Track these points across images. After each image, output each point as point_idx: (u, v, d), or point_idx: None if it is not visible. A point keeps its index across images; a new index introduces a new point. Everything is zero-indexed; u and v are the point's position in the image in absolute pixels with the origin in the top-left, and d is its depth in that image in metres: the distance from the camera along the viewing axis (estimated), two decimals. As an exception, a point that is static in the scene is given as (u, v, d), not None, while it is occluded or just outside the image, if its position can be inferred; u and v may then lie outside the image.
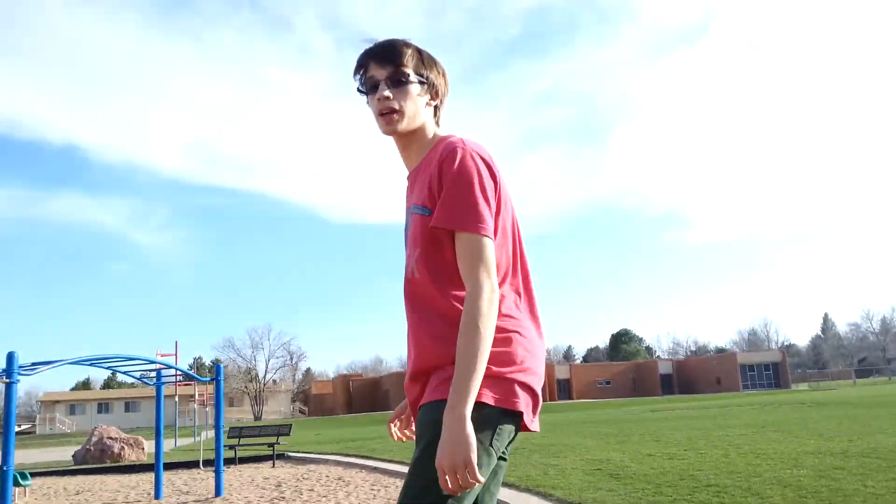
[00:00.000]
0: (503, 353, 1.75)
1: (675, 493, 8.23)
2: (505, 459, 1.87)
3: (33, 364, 9.08)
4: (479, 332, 1.64)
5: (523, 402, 1.76)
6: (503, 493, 9.04)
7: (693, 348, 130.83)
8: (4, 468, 8.17)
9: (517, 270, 1.92)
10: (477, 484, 1.62)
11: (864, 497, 7.14)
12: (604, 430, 20.06)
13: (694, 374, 79.80)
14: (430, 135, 2.06)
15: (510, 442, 1.84)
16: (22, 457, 26.21)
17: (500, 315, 1.77)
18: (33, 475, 16.97)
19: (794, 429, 16.30)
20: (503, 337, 1.77)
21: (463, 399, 1.61)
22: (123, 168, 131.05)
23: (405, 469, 12.96)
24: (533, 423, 1.84)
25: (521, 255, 1.98)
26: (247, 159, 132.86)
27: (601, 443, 15.63)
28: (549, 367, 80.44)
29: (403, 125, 2.00)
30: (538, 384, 1.84)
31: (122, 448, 20.39)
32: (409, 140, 2.06)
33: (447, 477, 1.57)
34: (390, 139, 2.07)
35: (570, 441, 16.57)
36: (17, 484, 12.13)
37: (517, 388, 1.75)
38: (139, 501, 11.30)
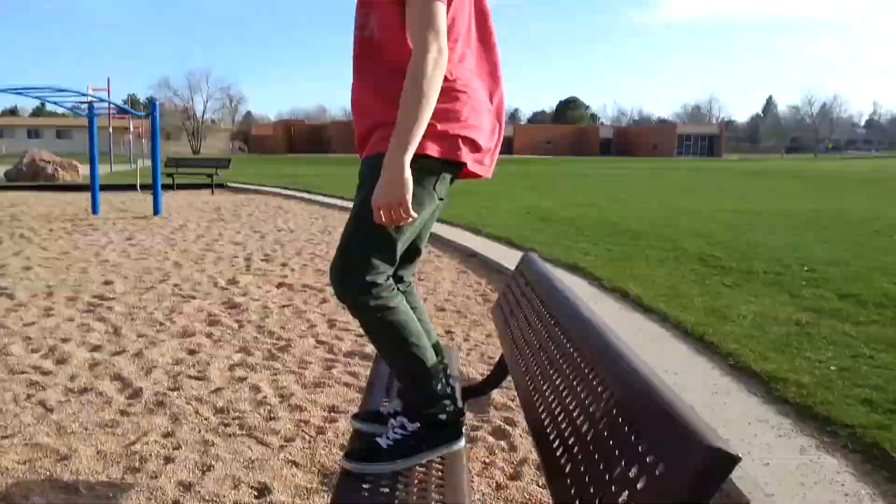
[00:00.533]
0: (448, 111, 1.82)
1: (596, 235, 8.76)
2: (443, 199, 1.95)
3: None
4: (423, 89, 1.69)
5: (465, 154, 1.87)
6: (438, 227, 9.42)
7: (637, 118, 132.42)
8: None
9: (470, 31, 1.95)
10: (415, 219, 1.77)
11: (766, 248, 7.75)
12: (539, 182, 20.74)
13: (633, 141, 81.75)
14: None
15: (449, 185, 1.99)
16: (-48, 170, 25.78)
17: (449, 75, 1.82)
18: (-35, 186, 16.79)
19: (716, 191, 17.18)
20: (449, 95, 1.82)
21: (402, 148, 1.68)
22: None
23: (344, 203, 13.37)
24: (481, 167, 1.96)
25: (483, 16, 2.00)
26: None
27: (534, 193, 16.23)
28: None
29: None
30: (483, 137, 1.93)
31: (56, 170, 20.08)
32: None
33: (381, 212, 1.69)
34: None
35: (506, 189, 17.14)
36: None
37: (460, 143, 1.85)
38: (77, 215, 11.40)
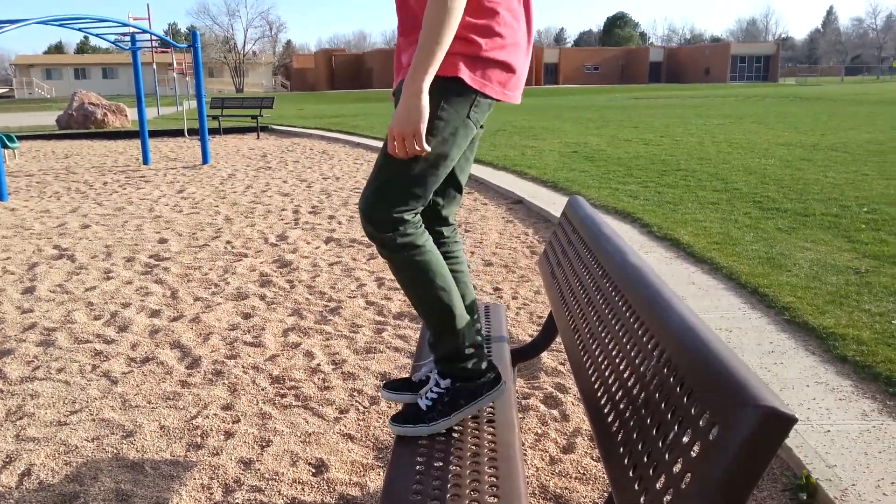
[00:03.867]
0: (482, 27, 1.68)
1: (645, 175, 8.56)
2: (482, 128, 1.87)
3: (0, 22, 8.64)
4: (447, 5, 1.55)
5: (498, 80, 1.73)
6: (482, 171, 9.36)
7: (688, 36, 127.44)
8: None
9: None
10: (454, 151, 1.69)
11: (822, 186, 7.48)
12: (585, 115, 20.27)
13: (684, 64, 78.85)
14: None
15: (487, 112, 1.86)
16: (5, 120, 26.40)
17: None
18: (20, 138, 17.22)
19: (771, 121, 16.56)
20: (482, 7, 1.67)
21: (422, 71, 1.57)
22: None
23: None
24: (513, 96, 1.82)
25: None
26: None
27: (581, 127, 15.89)
28: (538, 50, 78.65)
29: None
30: (520, 58, 1.79)
31: (105, 114, 20.42)
32: None
33: (395, 143, 1.61)
34: None
35: (551, 125, 16.81)
36: (4, 146, 12.34)
37: (495, 67, 1.71)
38: (128, 166, 11.63)
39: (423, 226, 1.78)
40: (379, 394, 3.07)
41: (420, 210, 1.75)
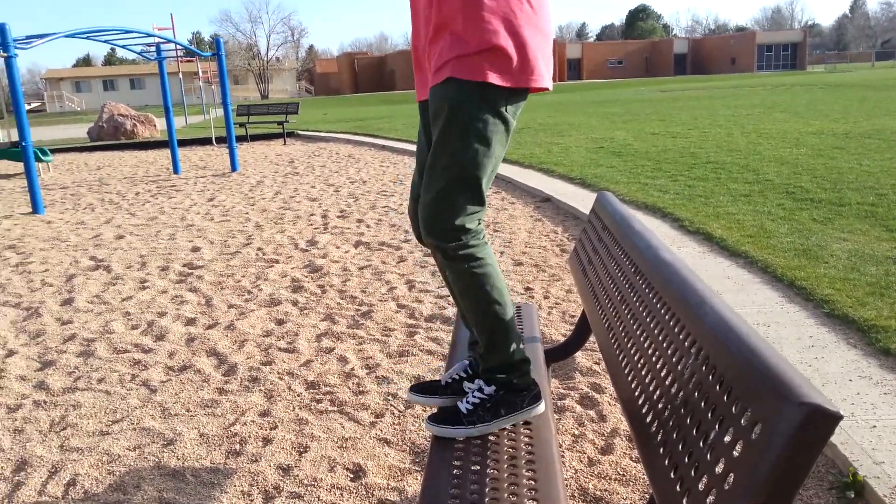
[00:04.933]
0: (507, 20, 1.67)
1: (674, 169, 8.47)
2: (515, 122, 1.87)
3: (28, 37, 8.82)
4: None
5: (528, 70, 1.72)
6: (509, 170, 9.34)
7: (712, 26, 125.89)
8: (24, 144, 8.39)
9: None
10: (499, 150, 1.72)
11: (857, 174, 7.33)
12: (611, 110, 20.11)
13: (709, 54, 77.90)
14: None
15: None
16: (38, 134, 26.95)
17: None
18: (52, 151, 17.57)
19: (801, 110, 16.28)
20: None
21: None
22: None
23: (411, 147, 13.35)
24: (545, 81, 1.80)
25: None
26: None
27: (606, 122, 15.77)
28: (560, 46, 78.25)
29: None
30: (546, 46, 1.78)
31: (135, 125, 20.76)
32: None
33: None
34: None
35: (576, 121, 16.71)
36: (38, 160, 12.60)
37: (523, 59, 1.69)
38: (160, 175, 11.80)
39: (485, 236, 1.79)
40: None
41: (482, 215, 1.76)
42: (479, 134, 1.68)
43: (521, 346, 1.85)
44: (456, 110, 1.66)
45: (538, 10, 1.73)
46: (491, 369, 1.82)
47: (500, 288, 1.79)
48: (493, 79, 1.67)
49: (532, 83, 1.74)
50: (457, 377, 1.96)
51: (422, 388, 1.97)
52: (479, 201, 1.73)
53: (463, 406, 1.80)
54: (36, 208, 8.48)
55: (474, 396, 1.81)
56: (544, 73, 1.77)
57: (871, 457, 2.35)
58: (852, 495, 2.22)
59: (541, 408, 1.84)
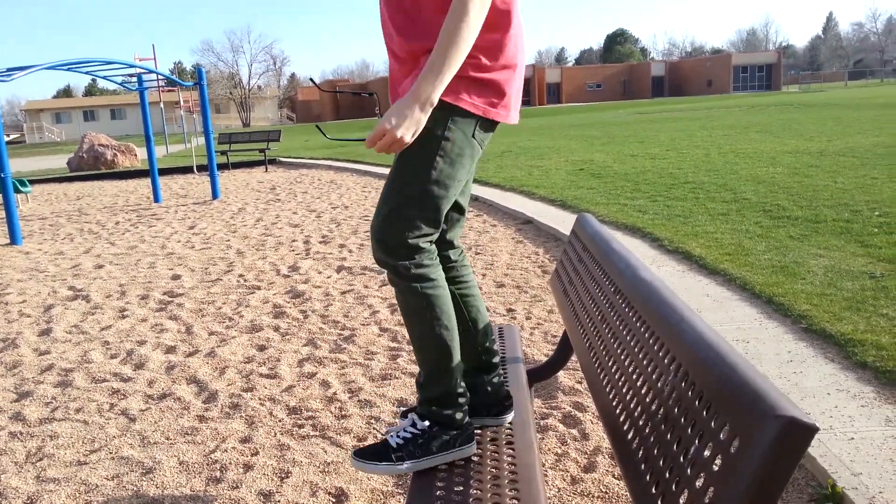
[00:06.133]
0: (488, 49, 1.67)
1: (653, 189, 8.56)
2: (484, 148, 1.87)
3: (8, 70, 8.79)
4: (469, 16, 1.54)
5: (501, 103, 1.72)
6: (490, 193, 9.38)
7: (689, 49, 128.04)
8: (2, 175, 8.32)
9: None
10: (462, 173, 1.69)
11: (832, 192, 7.44)
12: (590, 133, 20.32)
13: (686, 77, 79.16)
14: None
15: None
16: (17, 165, 26.77)
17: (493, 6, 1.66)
18: (32, 182, 17.44)
19: (776, 130, 16.54)
20: (490, 30, 1.67)
21: (434, 80, 1.54)
22: None
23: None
24: (511, 116, 1.80)
25: None
26: None
27: (586, 145, 15.93)
28: (540, 71, 79.21)
29: None
30: (518, 80, 1.78)
31: (115, 155, 20.67)
32: None
33: (377, 138, 1.56)
34: None
35: (556, 144, 16.86)
36: (17, 191, 12.50)
37: (496, 89, 1.70)
38: (140, 204, 11.74)
39: (438, 258, 1.75)
40: (397, 421, 3.05)
41: (435, 237, 1.72)
42: (446, 155, 1.66)
43: (461, 382, 1.76)
44: (427, 127, 1.64)
45: (511, 43, 1.73)
46: (429, 400, 1.73)
47: (449, 313, 1.72)
48: (466, 104, 1.66)
49: (500, 117, 1.74)
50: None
51: (406, 412, 1.94)
52: (435, 223, 1.69)
53: (392, 440, 1.73)
54: (14, 239, 8.40)
55: (406, 431, 1.73)
56: (512, 109, 1.77)
57: (850, 468, 2.36)
58: (833, 507, 2.23)
59: (472, 449, 1.75)
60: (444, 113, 1.65)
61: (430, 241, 1.70)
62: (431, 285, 1.69)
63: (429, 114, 1.59)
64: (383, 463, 1.70)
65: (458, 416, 1.73)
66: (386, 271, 1.73)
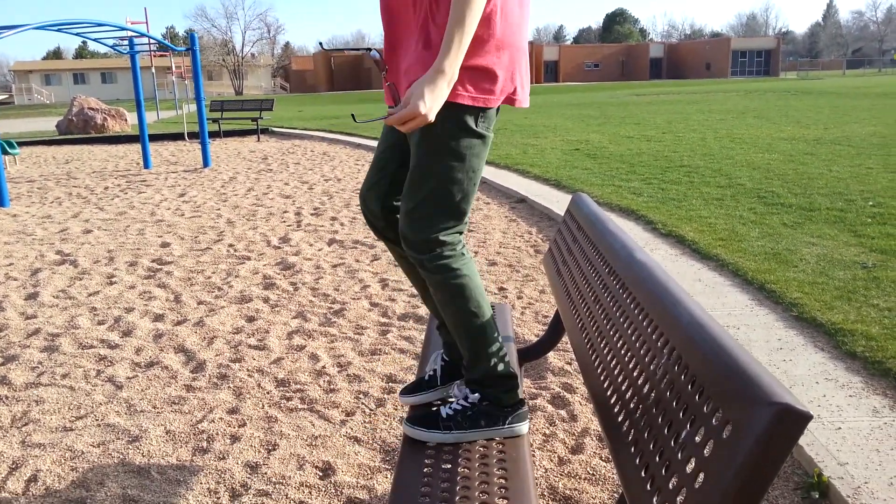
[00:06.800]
0: (485, 32, 1.64)
1: (648, 172, 8.53)
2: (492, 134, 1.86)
3: (-4, 29, 8.64)
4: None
5: (502, 89, 1.71)
6: (484, 170, 9.32)
7: (688, 32, 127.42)
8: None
9: None
10: (479, 163, 1.71)
11: (827, 180, 7.44)
12: (586, 112, 20.23)
13: (684, 59, 78.82)
14: None
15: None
16: (5, 126, 26.45)
17: None
18: (20, 144, 17.22)
19: (773, 116, 16.52)
20: (487, 13, 1.63)
21: (457, 53, 1.55)
22: None
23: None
24: (522, 101, 1.80)
25: None
26: None
27: (582, 125, 15.86)
28: (538, 49, 78.64)
29: None
30: (522, 61, 1.75)
31: (105, 119, 20.41)
32: None
33: (408, 118, 1.53)
34: None
35: (552, 123, 16.78)
36: (5, 153, 12.33)
37: (494, 73, 1.67)
38: (129, 170, 11.62)
39: (463, 247, 1.78)
40: (386, 396, 3.05)
41: (462, 227, 1.76)
42: (452, 151, 1.68)
43: (507, 360, 1.81)
44: (429, 129, 1.66)
45: (512, 24, 1.70)
46: (475, 381, 1.80)
47: (477, 300, 1.78)
48: (465, 99, 1.66)
49: (508, 102, 1.75)
50: (436, 368, 1.96)
51: (409, 388, 1.98)
52: (457, 216, 1.73)
53: (444, 411, 1.79)
54: (1, 201, 8.30)
55: (457, 404, 1.80)
56: (518, 90, 1.76)
57: (836, 458, 2.37)
58: (817, 496, 2.24)
59: (524, 428, 1.80)
60: (445, 112, 1.65)
61: (457, 233, 1.75)
62: (455, 275, 1.74)
63: (449, 88, 1.58)
64: (433, 431, 1.76)
65: (505, 395, 1.79)
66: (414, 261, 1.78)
